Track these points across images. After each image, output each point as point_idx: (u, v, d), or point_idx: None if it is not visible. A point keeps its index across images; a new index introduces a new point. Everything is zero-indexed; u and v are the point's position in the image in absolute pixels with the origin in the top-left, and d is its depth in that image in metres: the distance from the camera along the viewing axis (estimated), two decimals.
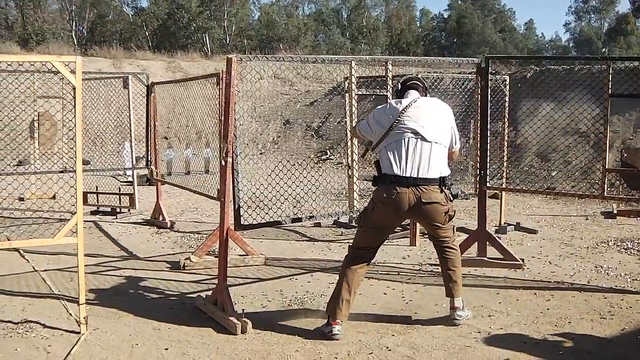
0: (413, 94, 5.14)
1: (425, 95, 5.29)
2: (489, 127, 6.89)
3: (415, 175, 4.77)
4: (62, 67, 4.74)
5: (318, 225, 9.54)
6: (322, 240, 8.63)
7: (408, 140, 4.85)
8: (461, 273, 5.24)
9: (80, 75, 4.78)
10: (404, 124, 4.88)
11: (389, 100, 5.37)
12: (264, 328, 5.03)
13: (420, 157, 4.81)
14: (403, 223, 8.46)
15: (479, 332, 4.93)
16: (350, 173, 6.44)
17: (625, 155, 12.81)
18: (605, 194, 6.58)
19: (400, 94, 5.26)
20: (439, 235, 5.09)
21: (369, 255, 5.07)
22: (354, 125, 5.49)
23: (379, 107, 5.24)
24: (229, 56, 5.27)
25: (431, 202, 4.80)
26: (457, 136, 5.22)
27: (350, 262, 5.02)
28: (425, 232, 5.69)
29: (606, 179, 6.48)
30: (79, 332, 4.86)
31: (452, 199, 4.97)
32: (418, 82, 5.29)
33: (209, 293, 5.58)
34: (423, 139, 4.84)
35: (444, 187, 4.86)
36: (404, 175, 4.78)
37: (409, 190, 4.76)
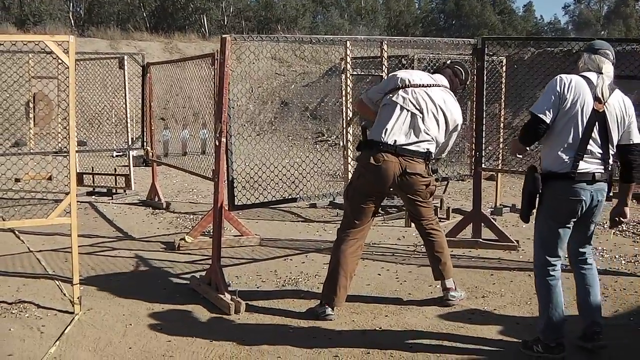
0: (441, 80, 5.09)
1: (451, 88, 5.19)
2: (484, 108, 6.88)
3: (401, 144, 4.75)
4: (55, 47, 4.69)
5: (314, 206, 9.54)
6: (317, 221, 8.64)
7: (408, 115, 4.81)
8: (449, 253, 5.23)
9: (74, 55, 4.73)
10: (411, 104, 4.83)
11: (421, 71, 5.22)
12: (257, 308, 5.03)
13: (413, 133, 4.79)
14: (398, 204, 8.50)
15: (472, 313, 4.94)
16: (345, 154, 6.43)
17: None
18: None
19: (434, 71, 5.28)
20: (421, 214, 5.03)
21: (360, 234, 4.92)
22: (360, 97, 5.32)
23: (405, 73, 5.10)
24: (224, 36, 5.25)
25: (415, 173, 4.76)
26: (449, 146, 5.20)
27: (344, 245, 4.87)
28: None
29: None
30: (72, 312, 4.86)
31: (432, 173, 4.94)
32: (451, 77, 5.22)
33: (203, 273, 5.58)
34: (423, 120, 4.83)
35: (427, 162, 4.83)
36: (391, 144, 4.73)
37: (395, 158, 4.72)
